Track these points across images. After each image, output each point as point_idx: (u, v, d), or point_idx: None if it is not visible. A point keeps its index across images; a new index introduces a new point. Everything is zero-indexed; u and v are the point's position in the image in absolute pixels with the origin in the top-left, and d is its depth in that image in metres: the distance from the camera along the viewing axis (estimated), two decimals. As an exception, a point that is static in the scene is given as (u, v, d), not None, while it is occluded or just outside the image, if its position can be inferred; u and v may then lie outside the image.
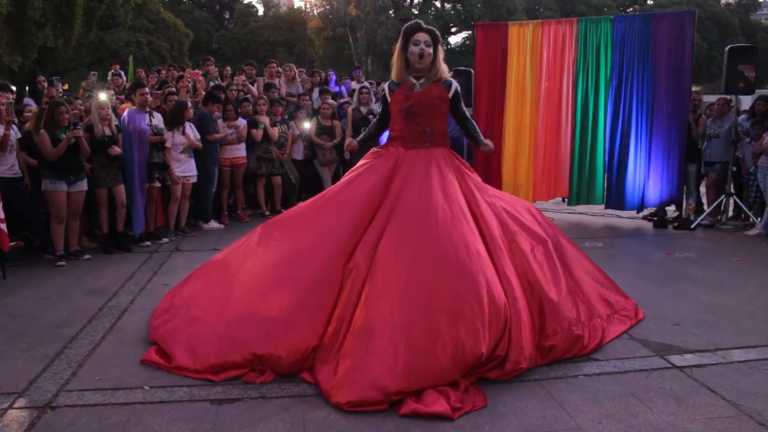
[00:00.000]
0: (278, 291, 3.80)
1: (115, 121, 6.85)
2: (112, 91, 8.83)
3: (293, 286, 3.78)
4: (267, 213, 8.77)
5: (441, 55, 4.14)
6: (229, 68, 10.85)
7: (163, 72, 10.93)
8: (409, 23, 4.17)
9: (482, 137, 4.41)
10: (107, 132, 6.62)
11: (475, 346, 3.38)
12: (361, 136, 4.63)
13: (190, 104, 7.79)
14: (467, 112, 4.45)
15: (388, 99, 4.27)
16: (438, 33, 4.17)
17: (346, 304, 3.64)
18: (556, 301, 3.91)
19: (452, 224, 3.78)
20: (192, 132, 7.59)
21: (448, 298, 3.49)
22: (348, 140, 4.57)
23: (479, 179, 4.38)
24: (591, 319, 4.13)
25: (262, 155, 8.69)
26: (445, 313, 3.44)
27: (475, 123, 4.49)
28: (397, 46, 4.17)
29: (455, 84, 4.21)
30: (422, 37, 4.06)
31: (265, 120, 8.66)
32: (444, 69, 4.16)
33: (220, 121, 8.28)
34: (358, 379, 3.29)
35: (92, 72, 12.94)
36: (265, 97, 9.05)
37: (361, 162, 4.37)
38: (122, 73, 11.64)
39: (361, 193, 4.07)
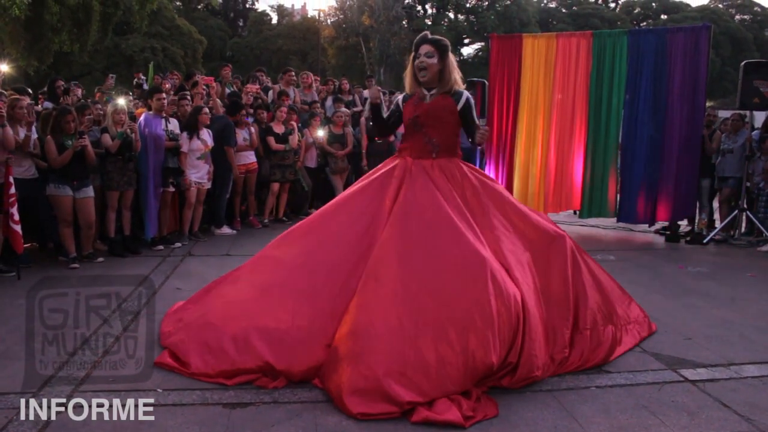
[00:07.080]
0: (293, 302, 3.80)
1: (129, 123, 6.88)
2: (131, 95, 8.89)
3: (308, 298, 3.79)
4: (282, 219, 8.88)
5: (451, 65, 4.08)
6: (239, 77, 10.92)
7: (176, 76, 11.02)
8: (418, 36, 4.15)
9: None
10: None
11: (486, 355, 3.37)
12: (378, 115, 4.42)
13: (206, 110, 7.83)
14: (480, 122, 4.28)
15: (400, 105, 4.27)
16: (445, 43, 4.09)
17: (354, 311, 3.63)
18: (573, 312, 3.89)
19: (459, 233, 3.76)
20: (208, 138, 7.63)
21: (457, 308, 3.48)
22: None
23: (499, 188, 4.34)
24: (605, 327, 4.11)
25: (278, 162, 8.69)
26: (454, 322, 3.44)
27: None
28: (410, 58, 4.16)
29: (466, 96, 4.10)
30: (424, 49, 4.03)
31: (293, 126, 8.74)
32: (455, 79, 4.09)
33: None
34: (368, 389, 3.29)
35: (110, 75, 13.02)
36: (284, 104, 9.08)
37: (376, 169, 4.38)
38: (144, 81, 11.71)
39: (372, 205, 4.06)
